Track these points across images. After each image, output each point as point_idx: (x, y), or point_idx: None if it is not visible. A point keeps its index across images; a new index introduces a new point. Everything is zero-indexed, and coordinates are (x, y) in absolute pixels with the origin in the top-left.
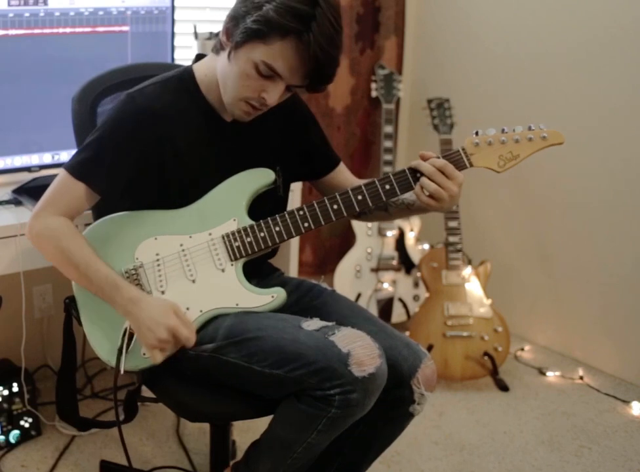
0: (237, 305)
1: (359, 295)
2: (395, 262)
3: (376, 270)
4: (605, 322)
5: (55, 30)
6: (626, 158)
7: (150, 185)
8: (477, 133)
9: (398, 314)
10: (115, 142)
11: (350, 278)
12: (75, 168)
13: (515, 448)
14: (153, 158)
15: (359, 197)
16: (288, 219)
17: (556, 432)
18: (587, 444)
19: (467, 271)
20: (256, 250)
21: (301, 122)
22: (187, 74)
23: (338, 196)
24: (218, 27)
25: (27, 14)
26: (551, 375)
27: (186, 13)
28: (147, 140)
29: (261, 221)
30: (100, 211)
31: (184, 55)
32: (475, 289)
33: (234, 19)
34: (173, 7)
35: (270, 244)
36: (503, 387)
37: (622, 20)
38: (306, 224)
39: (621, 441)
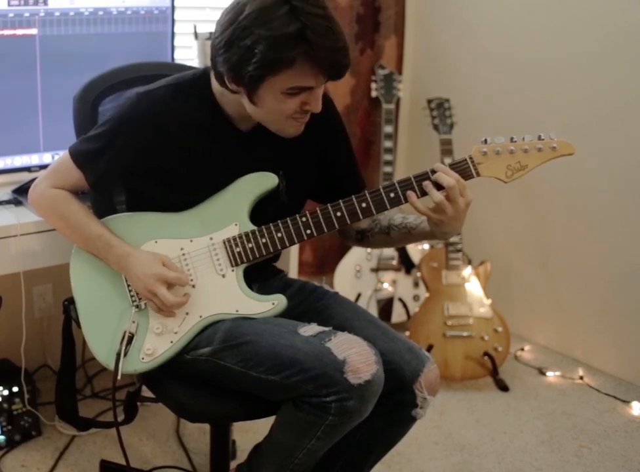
0: (237, 311)
1: (359, 296)
2: (395, 262)
3: (376, 270)
4: (605, 322)
5: (55, 30)
6: (626, 158)
7: (153, 186)
8: (485, 141)
9: (398, 314)
10: (115, 143)
11: (350, 278)
12: (78, 156)
13: (515, 448)
14: (156, 162)
15: (363, 205)
16: (291, 226)
17: (556, 433)
18: (587, 444)
19: (467, 271)
20: (257, 256)
21: (332, 142)
22: (202, 80)
23: (341, 204)
24: None
25: (27, 14)
26: (551, 375)
27: (186, 13)
28: (148, 145)
29: (263, 226)
30: (101, 208)
31: (184, 55)
32: (475, 289)
33: (231, 70)
34: (173, 7)
35: (272, 250)
36: (503, 387)
37: (622, 21)
38: (308, 231)
39: (621, 441)
